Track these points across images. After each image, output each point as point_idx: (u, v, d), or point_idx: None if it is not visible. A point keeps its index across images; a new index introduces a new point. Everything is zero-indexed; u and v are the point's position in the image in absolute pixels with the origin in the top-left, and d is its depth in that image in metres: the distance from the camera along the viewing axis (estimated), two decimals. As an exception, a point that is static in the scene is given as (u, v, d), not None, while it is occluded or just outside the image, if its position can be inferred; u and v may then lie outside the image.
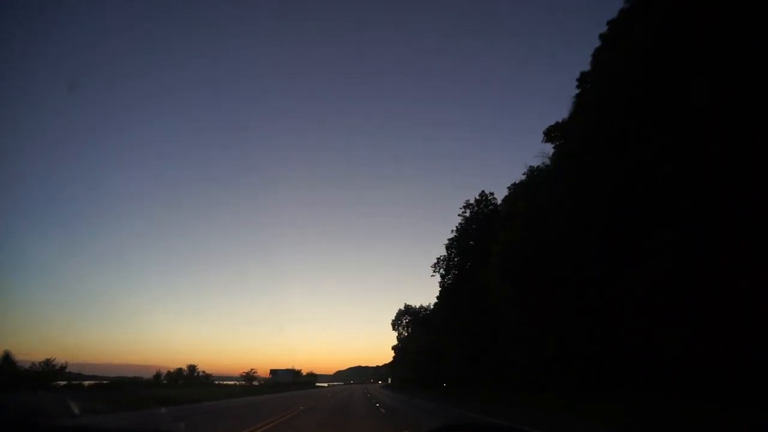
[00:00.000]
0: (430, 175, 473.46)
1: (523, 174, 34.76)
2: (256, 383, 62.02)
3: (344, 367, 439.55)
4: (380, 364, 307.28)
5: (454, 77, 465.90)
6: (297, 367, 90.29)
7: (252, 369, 66.46)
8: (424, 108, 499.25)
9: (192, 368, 53.95)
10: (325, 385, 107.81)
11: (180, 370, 53.42)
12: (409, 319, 74.27)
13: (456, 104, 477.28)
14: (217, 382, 57.26)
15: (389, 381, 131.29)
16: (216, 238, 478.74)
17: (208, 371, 56.47)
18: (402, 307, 78.28)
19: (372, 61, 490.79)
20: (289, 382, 69.12)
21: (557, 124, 29.05)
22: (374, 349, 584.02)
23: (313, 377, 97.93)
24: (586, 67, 24.30)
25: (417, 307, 76.23)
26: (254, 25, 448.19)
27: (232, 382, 61.94)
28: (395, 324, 75.50)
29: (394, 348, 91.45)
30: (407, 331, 72.06)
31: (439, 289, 50.06)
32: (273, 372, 77.60)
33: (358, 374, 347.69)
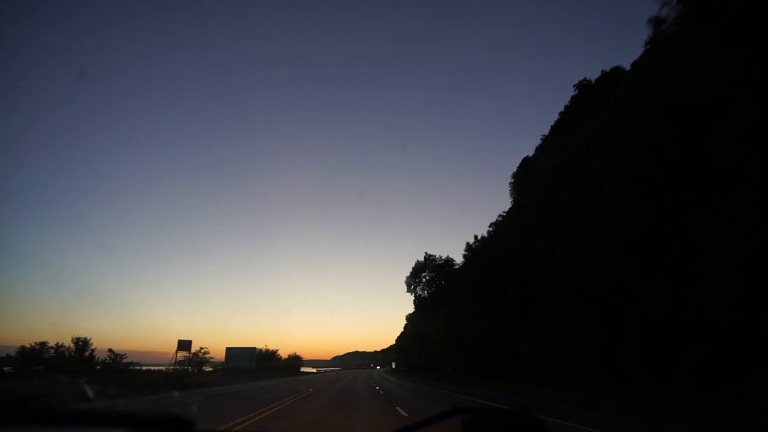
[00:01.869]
0: (435, 164, 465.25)
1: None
2: (189, 368, 45.15)
3: (342, 352, 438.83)
4: (378, 350, 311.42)
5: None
6: (271, 347, 65.01)
7: (202, 348, 47.82)
8: (425, 106, 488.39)
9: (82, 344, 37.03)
10: (314, 371, 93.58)
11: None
12: (429, 276, 59.27)
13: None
14: (137, 368, 40.44)
15: (393, 366, 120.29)
16: (209, 224, 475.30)
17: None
18: (421, 259, 59.45)
19: (378, 53, 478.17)
20: (252, 368, 49.11)
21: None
22: (373, 335, 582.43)
23: (296, 361, 75.41)
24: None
25: (441, 258, 58.65)
26: (258, 19, 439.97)
27: (161, 368, 46.15)
28: (411, 282, 60.30)
29: (406, 325, 77.16)
30: (427, 292, 57.21)
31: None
32: (229, 352, 52.20)
33: (356, 359, 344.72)
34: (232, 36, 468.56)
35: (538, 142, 46.76)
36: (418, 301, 56.81)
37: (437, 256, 58.11)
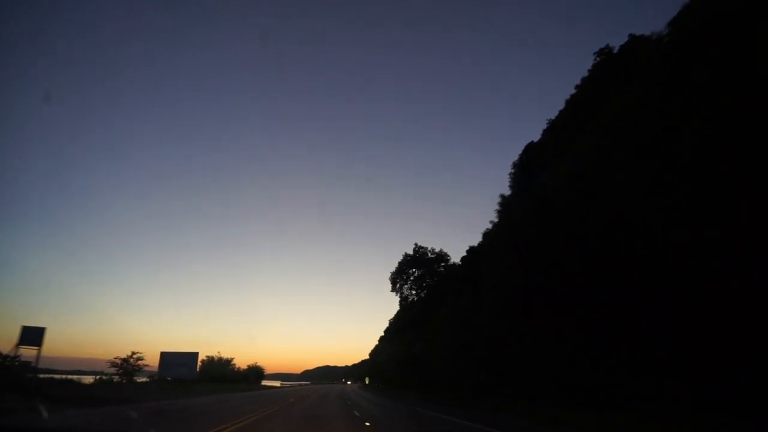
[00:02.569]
0: (399, 182, 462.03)
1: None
2: (117, 379, 36.12)
3: (312, 366, 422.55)
4: (350, 364, 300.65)
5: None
6: (225, 355, 52.87)
7: (134, 353, 36.95)
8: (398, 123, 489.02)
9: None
10: (277, 385, 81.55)
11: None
12: (419, 273, 48.90)
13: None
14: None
15: (366, 381, 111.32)
16: (173, 230, 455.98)
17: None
18: (410, 251, 49.14)
19: (361, 59, 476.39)
20: (193, 379, 39.14)
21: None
22: (344, 350, 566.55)
23: (256, 372, 63.02)
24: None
25: (433, 251, 48.73)
26: (238, 24, 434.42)
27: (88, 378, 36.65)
28: (396, 280, 49.16)
29: (381, 337, 67.95)
30: (415, 291, 48.12)
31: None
32: (164, 358, 40.66)
33: (327, 374, 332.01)
34: (214, 42, 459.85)
35: (543, 125, 40.05)
36: (404, 303, 48.35)
37: (429, 249, 49.21)
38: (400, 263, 47.93)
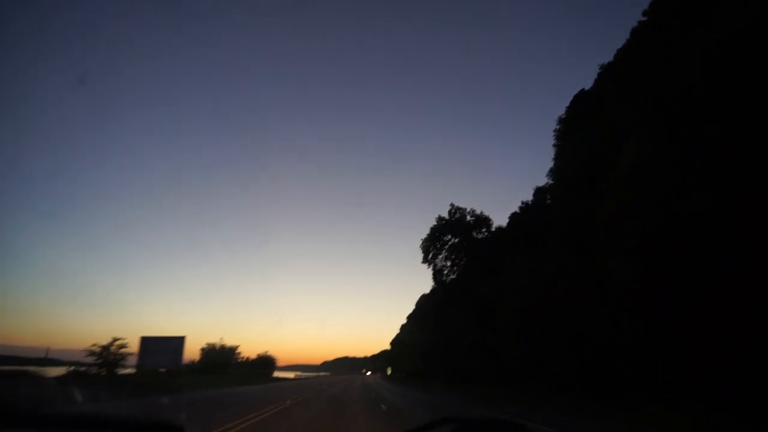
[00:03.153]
0: (421, 171, 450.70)
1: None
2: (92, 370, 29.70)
3: (331, 357, 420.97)
4: (369, 355, 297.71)
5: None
6: (227, 343, 44.77)
7: (116, 339, 30.35)
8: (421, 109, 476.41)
9: None
10: (291, 376, 73.02)
11: None
12: (454, 241, 38.97)
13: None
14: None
15: (388, 372, 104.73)
16: (198, 225, 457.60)
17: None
18: (444, 215, 39.52)
19: (378, 52, 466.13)
20: (177, 371, 31.89)
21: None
22: (364, 340, 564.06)
23: (266, 362, 54.24)
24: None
25: (473, 213, 39.25)
26: (255, 19, 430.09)
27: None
28: (429, 248, 39.64)
29: (404, 325, 60.31)
30: (451, 262, 40.29)
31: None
32: (145, 344, 32.29)
33: (346, 365, 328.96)
34: (225, 37, 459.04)
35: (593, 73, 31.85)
36: (438, 277, 40.15)
37: (468, 210, 39.19)
38: (433, 229, 39.43)
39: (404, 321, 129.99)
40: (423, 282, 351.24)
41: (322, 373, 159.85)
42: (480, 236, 37.83)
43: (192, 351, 51.77)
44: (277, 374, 58.19)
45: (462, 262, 37.78)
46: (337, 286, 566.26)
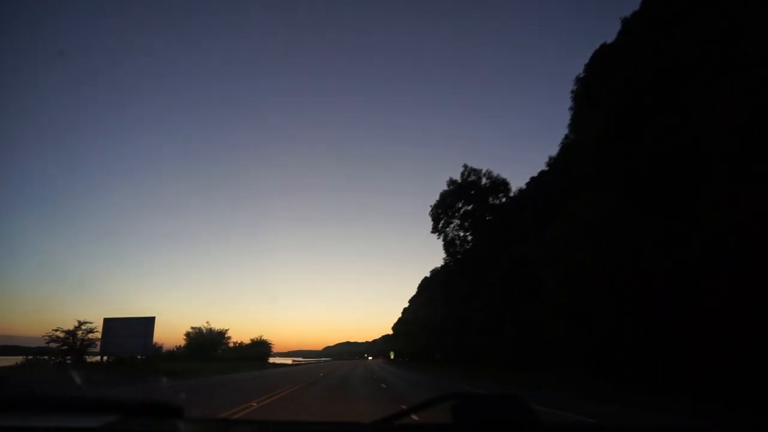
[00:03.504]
0: (416, 152, 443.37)
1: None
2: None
3: (333, 343, 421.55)
4: (370, 340, 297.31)
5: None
6: (215, 326, 39.30)
7: (82, 323, 27.09)
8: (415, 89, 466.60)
9: None
10: (289, 362, 66.51)
11: None
12: (467, 208, 33.86)
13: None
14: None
15: (391, 356, 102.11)
16: (199, 212, 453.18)
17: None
18: (457, 177, 35.34)
19: (370, 44, 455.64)
20: (147, 356, 28.27)
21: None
22: (364, 326, 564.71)
23: (261, 347, 48.20)
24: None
25: (489, 175, 34.52)
26: (247, 13, 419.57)
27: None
28: (439, 215, 34.81)
29: (406, 309, 56.62)
30: (464, 232, 34.58)
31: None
32: (108, 326, 27.56)
33: (347, 350, 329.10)
34: (223, 32, 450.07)
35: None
36: (450, 249, 35.69)
37: (483, 172, 33.95)
38: (443, 194, 34.31)
39: (406, 305, 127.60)
40: (425, 264, 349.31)
41: (323, 359, 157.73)
42: (497, 202, 33.50)
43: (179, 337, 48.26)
44: (274, 360, 54.58)
45: (478, 231, 33.40)
46: (338, 272, 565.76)
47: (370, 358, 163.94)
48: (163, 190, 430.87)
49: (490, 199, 33.69)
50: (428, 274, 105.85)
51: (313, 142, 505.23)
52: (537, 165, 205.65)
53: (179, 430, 1.14)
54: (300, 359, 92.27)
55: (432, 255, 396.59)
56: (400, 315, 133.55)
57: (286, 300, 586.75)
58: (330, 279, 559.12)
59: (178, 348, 37.04)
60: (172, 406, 1.20)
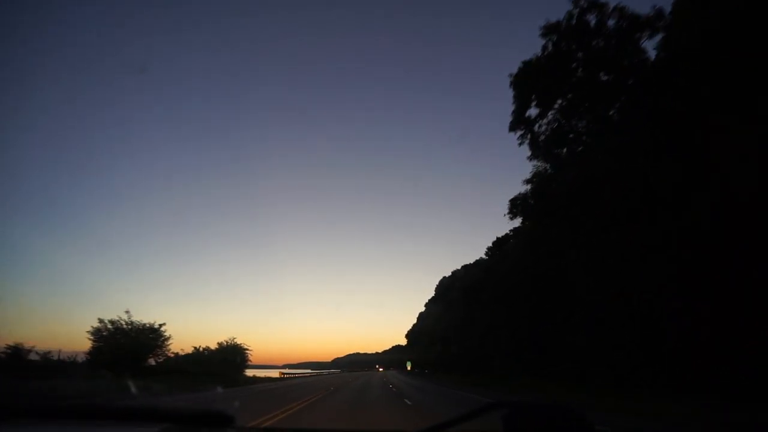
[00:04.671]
0: (433, 168, 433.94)
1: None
2: None
3: (342, 354, 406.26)
4: (380, 351, 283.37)
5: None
6: (146, 319, 26.85)
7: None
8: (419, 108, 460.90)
9: None
10: (274, 375, 48.10)
11: None
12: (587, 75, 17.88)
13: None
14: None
15: (408, 367, 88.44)
16: (204, 225, 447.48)
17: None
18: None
19: (377, 49, 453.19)
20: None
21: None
22: (373, 337, 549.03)
23: (232, 354, 33.31)
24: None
25: (624, 13, 18.42)
26: (254, 17, 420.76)
27: None
28: (528, 93, 18.05)
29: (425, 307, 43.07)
30: (577, 115, 16.38)
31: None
32: None
33: (357, 361, 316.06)
34: (229, 34, 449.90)
35: None
36: (551, 158, 21.13)
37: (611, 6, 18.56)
38: (537, 58, 20.40)
39: (420, 311, 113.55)
40: (436, 272, 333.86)
41: (332, 371, 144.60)
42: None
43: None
44: (255, 373, 40.85)
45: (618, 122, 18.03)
46: (344, 283, 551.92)
47: (380, 369, 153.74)
48: (170, 195, 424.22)
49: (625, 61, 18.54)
50: (449, 273, 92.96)
51: (320, 149, 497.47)
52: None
53: None
54: (291, 371, 74.18)
55: (442, 264, 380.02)
56: (414, 321, 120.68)
57: (295, 311, 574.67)
58: (337, 290, 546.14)
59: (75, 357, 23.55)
60: (224, 415, 1.17)
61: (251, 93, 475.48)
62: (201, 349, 32.30)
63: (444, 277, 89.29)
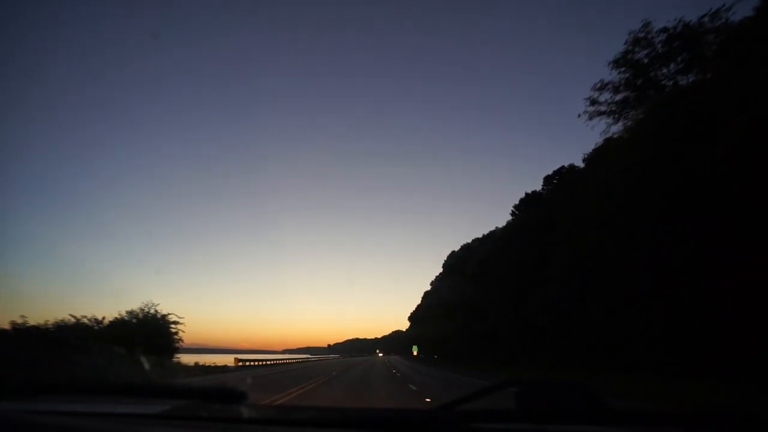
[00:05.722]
0: (430, 161, 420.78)
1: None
2: None
3: (341, 339, 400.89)
4: (379, 336, 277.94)
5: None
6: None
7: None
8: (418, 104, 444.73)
9: None
10: (228, 363, 29.32)
11: None
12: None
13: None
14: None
15: (415, 351, 78.50)
16: (213, 214, 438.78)
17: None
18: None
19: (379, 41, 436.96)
20: None
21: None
22: (374, 321, 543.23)
23: (156, 328, 22.02)
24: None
25: None
26: (259, 12, 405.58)
27: None
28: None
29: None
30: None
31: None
32: None
33: (356, 347, 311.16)
34: (233, 29, 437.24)
35: None
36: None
37: None
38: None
39: (427, 287, 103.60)
40: (438, 253, 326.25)
41: (331, 356, 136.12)
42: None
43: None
44: (210, 359, 29.76)
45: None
46: (344, 269, 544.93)
47: (380, 354, 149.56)
48: (168, 187, 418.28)
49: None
50: (463, 244, 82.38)
51: (319, 135, 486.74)
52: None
53: (243, 415, 1.17)
54: (248, 357, 59.68)
55: (445, 245, 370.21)
56: (419, 302, 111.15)
57: (292, 297, 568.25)
58: (336, 275, 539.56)
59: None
60: (237, 391, 1.21)
61: (256, 83, 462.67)
62: (87, 319, 21.34)
63: (453, 251, 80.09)
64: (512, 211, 51.45)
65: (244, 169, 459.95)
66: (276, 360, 40.84)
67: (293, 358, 57.75)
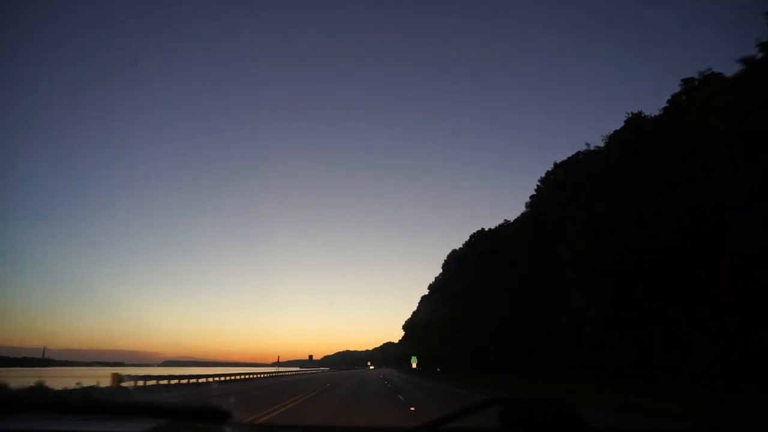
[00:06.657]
0: (421, 167, 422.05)
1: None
2: None
3: (332, 351, 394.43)
4: (371, 348, 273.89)
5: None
6: None
7: None
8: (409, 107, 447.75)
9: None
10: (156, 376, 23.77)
11: None
12: None
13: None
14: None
15: (414, 363, 75.25)
16: (200, 225, 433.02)
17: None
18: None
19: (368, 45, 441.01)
20: None
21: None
22: (364, 334, 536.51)
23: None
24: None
25: None
26: (255, 14, 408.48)
27: None
28: None
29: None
30: None
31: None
32: None
33: (347, 359, 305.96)
34: (227, 31, 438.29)
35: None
36: None
37: None
38: None
39: (425, 292, 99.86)
40: (429, 268, 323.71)
41: (321, 369, 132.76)
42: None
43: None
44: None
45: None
46: (334, 282, 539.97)
47: (372, 367, 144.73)
48: (156, 200, 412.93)
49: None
50: (439, 272, 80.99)
51: (310, 145, 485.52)
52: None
53: None
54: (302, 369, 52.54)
55: (435, 260, 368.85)
56: (414, 309, 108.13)
57: (282, 310, 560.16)
58: (327, 288, 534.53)
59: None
60: (220, 411, 1.18)
61: (244, 90, 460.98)
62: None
63: (454, 250, 77.94)
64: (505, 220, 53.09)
65: (233, 181, 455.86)
66: (233, 375, 34.99)
67: (282, 371, 54.83)
